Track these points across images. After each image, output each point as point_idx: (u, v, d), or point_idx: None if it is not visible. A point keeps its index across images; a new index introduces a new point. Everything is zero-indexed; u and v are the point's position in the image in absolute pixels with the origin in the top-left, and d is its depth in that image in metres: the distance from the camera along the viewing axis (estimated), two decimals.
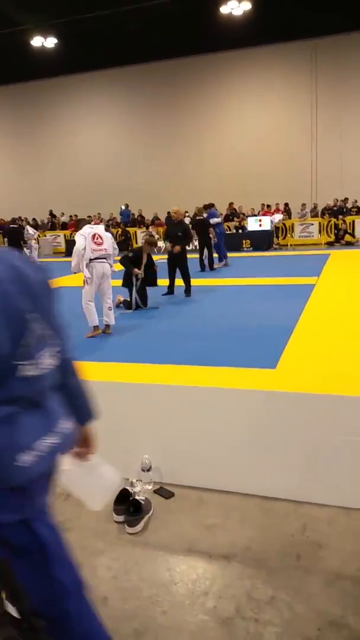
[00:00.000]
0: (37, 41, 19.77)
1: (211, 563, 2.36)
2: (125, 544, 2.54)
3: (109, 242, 6.77)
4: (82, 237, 6.61)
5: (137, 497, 2.74)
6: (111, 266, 6.89)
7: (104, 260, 6.70)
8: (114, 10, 17.01)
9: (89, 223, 7.30)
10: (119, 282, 8.53)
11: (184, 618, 2.04)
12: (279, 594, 2.11)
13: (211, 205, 14.20)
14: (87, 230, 6.68)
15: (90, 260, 6.57)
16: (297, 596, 2.10)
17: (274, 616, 2.01)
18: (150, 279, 8.70)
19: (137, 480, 2.95)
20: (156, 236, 20.51)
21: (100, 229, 6.91)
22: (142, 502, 2.70)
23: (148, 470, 3.03)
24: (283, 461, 2.94)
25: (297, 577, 2.23)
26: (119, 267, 8.46)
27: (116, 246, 7.06)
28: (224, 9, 17.89)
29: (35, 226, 19.64)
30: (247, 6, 17.63)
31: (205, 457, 3.03)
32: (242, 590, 2.17)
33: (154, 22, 18.22)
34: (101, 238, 6.67)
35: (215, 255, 13.38)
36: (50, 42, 19.96)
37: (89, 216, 20.64)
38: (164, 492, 2.96)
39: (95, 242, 6.58)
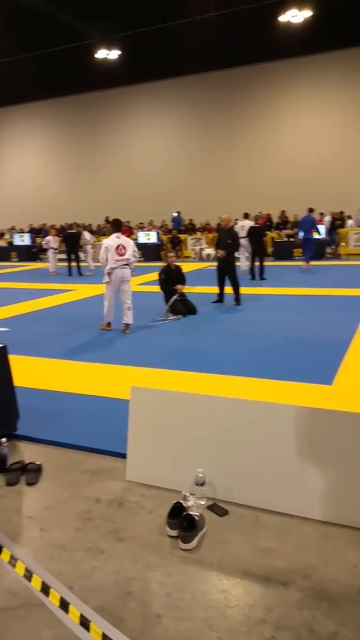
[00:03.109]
0: (101, 53, 20.27)
1: (268, 589, 2.28)
2: (179, 561, 2.49)
3: (130, 251, 7.42)
4: (105, 249, 7.35)
5: (191, 513, 2.69)
6: (132, 270, 7.54)
7: (126, 266, 7.39)
8: (175, 22, 17.21)
9: (120, 225, 7.92)
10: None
11: None
12: (343, 630, 2.00)
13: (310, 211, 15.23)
14: (112, 241, 7.35)
15: (113, 268, 7.30)
16: None
17: None
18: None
19: (190, 494, 2.90)
20: (204, 245, 20.61)
21: (125, 239, 7.53)
22: (197, 518, 2.65)
23: (202, 484, 2.97)
24: (343, 485, 2.82)
25: None
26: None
27: (137, 251, 7.74)
28: (283, 18, 17.74)
29: (92, 232, 20.06)
30: (308, 14, 17.40)
31: (261, 475, 2.94)
32: (302, 622, 2.07)
33: (213, 33, 18.32)
34: (124, 248, 7.37)
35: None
36: (114, 54, 20.40)
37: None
38: (217, 509, 2.90)
39: (118, 253, 7.29)
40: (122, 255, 7.30)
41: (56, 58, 19.94)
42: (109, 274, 7.30)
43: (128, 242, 7.49)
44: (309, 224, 14.94)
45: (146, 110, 25.48)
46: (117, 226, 7.74)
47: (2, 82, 22.92)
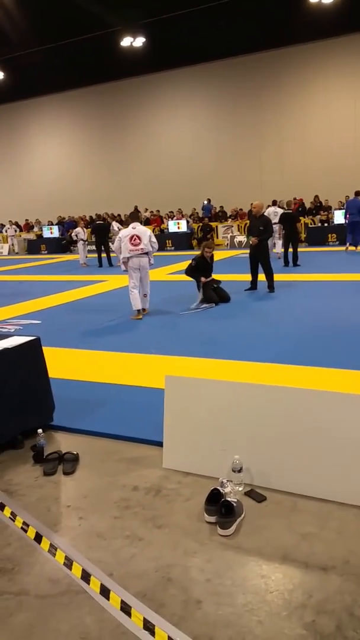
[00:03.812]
0: (126, 41, 20.15)
1: (308, 574, 2.25)
2: (218, 546, 2.49)
3: (146, 240, 7.62)
4: (118, 240, 7.77)
5: (229, 499, 2.68)
6: (150, 260, 7.70)
7: (144, 255, 7.69)
8: (200, 6, 16.92)
9: (137, 216, 8.46)
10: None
11: (281, 630, 1.95)
12: None
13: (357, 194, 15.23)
14: (127, 232, 7.70)
15: (128, 257, 7.66)
16: None
17: None
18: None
19: (227, 481, 2.89)
20: (236, 232, 20.40)
21: (141, 229, 7.79)
22: (235, 504, 2.64)
23: (239, 471, 2.96)
24: None
25: None
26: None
27: (154, 241, 7.85)
28: None
29: (121, 222, 20.15)
30: None
31: (298, 461, 2.90)
32: (343, 606, 2.04)
33: (239, 17, 17.95)
34: (139, 238, 7.60)
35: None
36: (139, 41, 20.25)
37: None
38: (255, 495, 2.88)
39: (132, 243, 7.57)
40: (136, 245, 7.59)
41: (81, 47, 19.87)
42: (125, 262, 7.73)
43: (144, 232, 7.70)
44: (356, 207, 14.86)
45: (173, 98, 25.25)
46: (134, 217, 8.22)
47: (27, 73, 23.02)
